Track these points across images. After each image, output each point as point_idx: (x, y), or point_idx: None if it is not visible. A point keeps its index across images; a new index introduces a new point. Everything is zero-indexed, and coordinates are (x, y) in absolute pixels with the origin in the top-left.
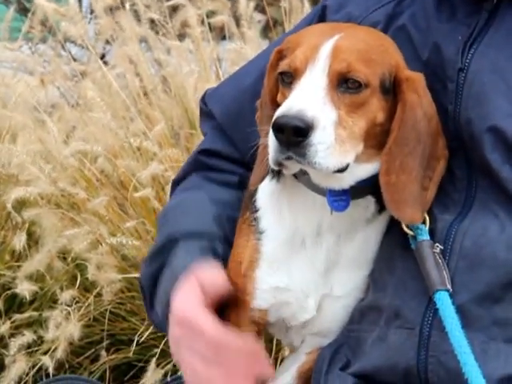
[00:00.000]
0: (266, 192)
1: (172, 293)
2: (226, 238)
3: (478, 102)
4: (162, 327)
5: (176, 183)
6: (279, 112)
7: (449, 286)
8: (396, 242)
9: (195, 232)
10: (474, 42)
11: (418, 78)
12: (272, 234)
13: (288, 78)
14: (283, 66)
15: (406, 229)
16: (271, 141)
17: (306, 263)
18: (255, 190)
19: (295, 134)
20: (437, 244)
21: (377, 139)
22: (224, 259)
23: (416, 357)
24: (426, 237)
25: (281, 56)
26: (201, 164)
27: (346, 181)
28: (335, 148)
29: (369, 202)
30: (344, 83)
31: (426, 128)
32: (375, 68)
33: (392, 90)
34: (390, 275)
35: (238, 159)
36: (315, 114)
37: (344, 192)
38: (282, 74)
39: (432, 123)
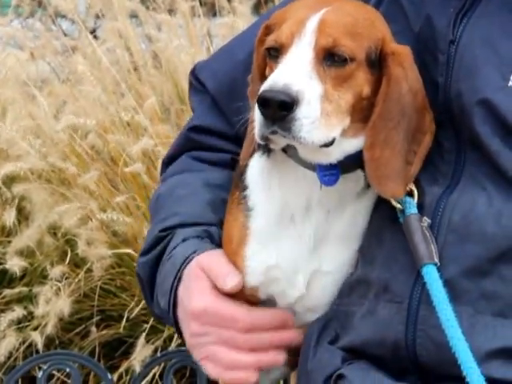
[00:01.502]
0: (255, 169)
1: (178, 285)
2: (221, 222)
3: (468, 75)
4: (163, 318)
5: (167, 163)
6: (264, 86)
7: (436, 260)
8: (385, 216)
9: (190, 221)
10: (465, 13)
11: (405, 52)
12: (261, 211)
13: (275, 53)
14: (270, 41)
15: (394, 202)
16: (257, 115)
17: (295, 239)
18: (244, 168)
19: (280, 108)
20: (425, 218)
21: (363, 113)
22: (220, 245)
23: (404, 330)
24: (414, 210)
25: (268, 31)
26: (192, 142)
27: (334, 155)
28: (321, 122)
29: (358, 176)
30: (330, 57)
31: (412, 102)
32: (361, 41)
33: (378, 63)
34: (379, 249)
35: (230, 135)
36: (300, 88)
37: (333, 166)
38: (268, 49)
39: (418, 97)
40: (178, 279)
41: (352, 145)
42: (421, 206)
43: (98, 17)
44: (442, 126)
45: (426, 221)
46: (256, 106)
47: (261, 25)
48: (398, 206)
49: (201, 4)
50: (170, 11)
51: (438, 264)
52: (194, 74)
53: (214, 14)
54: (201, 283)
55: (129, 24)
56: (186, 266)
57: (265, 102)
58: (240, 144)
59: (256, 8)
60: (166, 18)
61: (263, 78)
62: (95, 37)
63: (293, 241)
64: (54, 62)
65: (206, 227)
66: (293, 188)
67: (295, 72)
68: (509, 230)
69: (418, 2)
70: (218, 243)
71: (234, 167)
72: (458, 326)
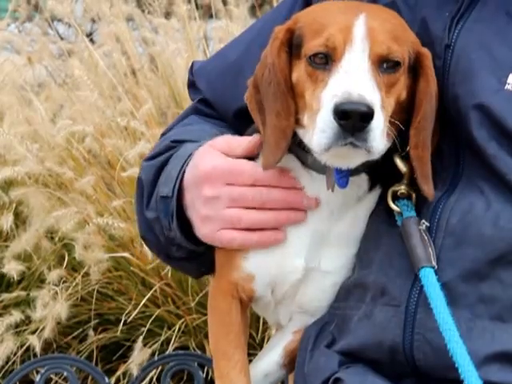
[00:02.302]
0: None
1: (186, 165)
2: None
3: (465, 79)
4: (156, 222)
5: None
6: (339, 98)
7: (434, 263)
8: (382, 220)
9: (201, 141)
10: (461, 17)
11: (429, 53)
12: None
13: (321, 60)
14: (315, 47)
15: (392, 205)
16: (327, 127)
17: (296, 232)
18: None
19: (361, 120)
20: (423, 221)
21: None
22: None
23: (402, 334)
24: (413, 213)
25: (292, 35)
26: (200, 110)
27: (357, 160)
28: (384, 131)
29: (362, 180)
30: (383, 64)
31: (436, 103)
32: (403, 46)
33: (413, 66)
34: (376, 252)
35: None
36: (373, 98)
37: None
38: (313, 55)
39: (437, 98)
40: (187, 163)
41: None
42: (419, 209)
43: (94, 21)
44: (441, 130)
45: (424, 224)
46: (327, 116)
47: (256, 29)
48: (396, 208)
49: (197, 7)
50: (167, 14)
51: (436, 267)
52: (191, 71)
53: (211, 17)
54: (210, 152)
55: (125, 27)
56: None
57: (345, 115)
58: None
59: (252, 11)
60: (163, 22)
61: (287, 82)
62: (92, 40)
63: (294, 233)
64: (51, 66)
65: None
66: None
67: (362, 81)
68: (506, 232)
69: (413, 6)
70: None
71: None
72: (456, 329)
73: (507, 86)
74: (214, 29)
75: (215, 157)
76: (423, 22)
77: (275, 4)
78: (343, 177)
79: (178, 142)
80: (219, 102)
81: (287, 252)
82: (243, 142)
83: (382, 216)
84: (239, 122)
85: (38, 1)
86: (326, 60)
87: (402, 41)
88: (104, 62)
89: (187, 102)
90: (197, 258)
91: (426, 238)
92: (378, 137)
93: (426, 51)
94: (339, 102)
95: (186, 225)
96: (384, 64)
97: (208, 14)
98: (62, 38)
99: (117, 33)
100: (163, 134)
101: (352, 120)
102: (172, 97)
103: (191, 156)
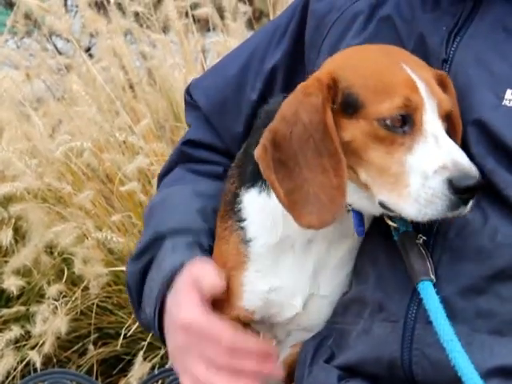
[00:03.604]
0: (255, 206)
1: (166, 293)
2: (210, 230)
3: (462, 94)
4: (149, 327)
5: (162, 176)
6: (454, 172)
7: (432, 276)
8: (378, 235)
9: (180, 228)
10: (458, 32)
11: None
12: (260, 243)
13: (398, 122)
14: (393, 109)
15: (388, 221)
16: (438, 198)
17: (295, 265)
18: (235, 199)
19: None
20: (420, 235)
21: None
22: (210, 252)
23: (400, 349)
24: (409, 228)
25: (336, 92)
26: (185, 155)
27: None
28: None
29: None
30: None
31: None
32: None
33: None
34: (372, 267)
35: (222, 149)
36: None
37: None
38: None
39: None
40: (165, 288)
41: None
42: (416, 224)
43: (92, 35)
44: None
45: (421, 238)
46: (438, 189)
47: (256, 42)
48: (393, 224)
49: (194, 21)
50: (164, 29)
51: (434, 280)
52: (188, 91)
53: (208, 30)
54: (190, 295)
55: (123, 42)
56: (172, 276)
57: (465, 189)
58: (232, 158)
59: (249, 24)
60: (160, 37)
61: (337, 139)
62: (90, 55)
63: (292, 266)
64: (50, 80)
65: (195, 235)
66: (298, 226)
67: (458, 148)
68: (504, 247)
69: (410, 21)
70: (207, 251)
71: (224, 178)
72: (457, 339)
73: (505, 102)
74: (211, 43)
75: (193, 306)
76: (420, 36)
77: (272, 16)
78: (362, 225)
79: (158, 239)
80: (218, 119)
81: (286, 294)
82: (212, 282)
83: (377, 232)
84: (243, 136)
85: (37, 16)
86: (404, 122)
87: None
88: (102, 76)
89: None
90: None
91: (423, 251)
92: None
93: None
94: (458, 178)
95: None
96: (444, 118)
97: (205, 27)
98: (60, 53)
99: (115, 47)
100: (159, 177)
101: (471, 193)
102: (170, 110)
103: (169, 280)
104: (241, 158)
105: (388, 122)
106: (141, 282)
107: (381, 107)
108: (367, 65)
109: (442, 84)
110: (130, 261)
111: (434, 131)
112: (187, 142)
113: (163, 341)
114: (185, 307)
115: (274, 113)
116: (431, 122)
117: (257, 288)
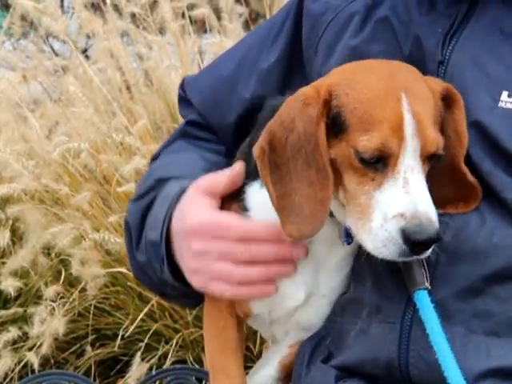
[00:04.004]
0: (257, 198)
1: (173, 213)
2: None
3: None
4: (144, 269)
5: (156, 157)
6: (409, 224)
7: (427, 284)
8: None
9: (185, 177)
10: (454, 33)
11: (460, 98)
12: None
13: (372, 159)
14: (368, 149)
15: None
16: (392, 243)
17: (298, 266)
18: (239, 191)
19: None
20: None
21: None
22: None
23: (397, 351)
24: None
25: (330, 109)
26: (187, 133)
27: None
28: None
29: None
30: (429, 158)
31: None
32: (439, 120)
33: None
34: (370, 270)
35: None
36: (436, 215)
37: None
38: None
39: None
40: (173, 205)
41: None
42: None
43: (89, 37)
44: None
45: None
46: (393, 235)
47: (250, 42)
48: None
49: (191, 22)
50: (161, 30)
51: (429, 288)
52: (182, 87)
53: (205, 32)
54: (196, 201)
55: (120, 43)
56: (180, 196)
57: (420, 244)
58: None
59: (246, 26)
60: (156, 38)
61: (327, 155)
62: (87, 57)
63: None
64: (46, 82)
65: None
66: None
67: (426, 198)
68: (500, 249)
69: (407, 22)
70: None
71: (229, 156)
72: (450, 349)
73: (501, 104)
74: (208, 44)
75: (202, 209)
76: (416, 38)
77: (268, 17)
78: (349, 236)
79: (163, 181)
80: (212, 116)
81: (288, 283)
82: (224, 179)
83: None
84: (234, 135)
85: (33, 18)
86: (378, 159)
87: (438, 113)
88: (99, 77)
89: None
90: (192, 295)
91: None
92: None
93: (457, 96)
94: (411, 230)
95: (178, 268)
96: (430, 158)
97: (202, 29)
98: (56, 55)
99: (111, 49)
100: (153, 159)
101: (422, 247)
102: (167, 111)
103: (177, 200)
104: (245, 151)
105: (362, 156)
106: (142, 219)
107: (359, 140)
108: (364, 89)
109: (449, 98)
110: (130, 202)
111: (406, 175)
112: (190, 123)
113: (172, 269)
114: (193, 212)
115: (278, 108)
116: (407, 165)
117: None
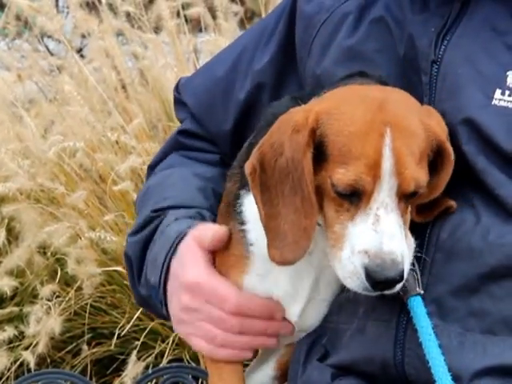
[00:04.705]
0: (255, 210)
1: (172, 258)
2: (212, 208)
3: (451, 94)
4: (148, 302)
5: (154, 166)
6: (371, 262)
7: (419, 290)
8: None
9: (181, 204)
10: (447, 33)
11: (451, 151)
12: (263, 246)
13: (346, 191)
14: (342, 182)
15: None
16: (356, 277)
17: (296, 274)
18: (236, 200)
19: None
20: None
21: None
22: None
23: (393, 349)
24: None
25: (315, 137)
26: (180, 144)
27: None
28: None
29: None
30: (408, 196)
31: None
32: (426, 158)
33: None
34: None
35: (215, 144)
36: (404, 255)
37: None
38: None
39: None
40: (172, 252)
41: None
42: (411, 224)
43: (84, 36)
44: None
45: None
46: (357, 269)
47: (244, 43)
48: None
49: (186, 21)
50: (156, 29)
51: (422, 293)
52: (177, 89)
53: (200, 30)
54: (195, 255)
55: (115, 42)
56: (180, 240)
57: (380, 283)
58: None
59: (241, 24)
60: (152, 37)
61: (313, 184)
62: (82, 56)
63: (294, 274)
64: (41, 81)
65: (197, 209)
66: None
67: (395, 238)
68: (496, 247)
69: (402, 21)
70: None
71: (222, 166)
72: (444, 362)
73: (494, 101)
74: (203, 42)
75: (200, 267)
76: (410, 37)
77: (264, 16)
78: None
79: (159, 210)
80: (207, 120)
81: (284, 300)
82: (211, 233)
83: None
84: (231, 138)
85: (28, 17)
86: (352, 193)
87: (425, 153)
88: (94, 77)
89: None
90: None
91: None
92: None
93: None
94: (371, 269)
95: None
96: (409, 195)
97: (197, 28)
98: (51, 54)
99: (106, 48)
100: (149, 168)
101: (383, 286)
102: (163, 110)
103: (178, 243)
104: (243, 159)
105: (336, 188)
106: (142, 253)
107: (335, 172)
108: (348, 120)
109: (442, 152)
110: (128, 236)
111: (378, 212)
112: (182, 132)
113: (166, 311)
114: (190, 268)
115: (278, 116)
116: (381, 202)
117: (257, 291)
